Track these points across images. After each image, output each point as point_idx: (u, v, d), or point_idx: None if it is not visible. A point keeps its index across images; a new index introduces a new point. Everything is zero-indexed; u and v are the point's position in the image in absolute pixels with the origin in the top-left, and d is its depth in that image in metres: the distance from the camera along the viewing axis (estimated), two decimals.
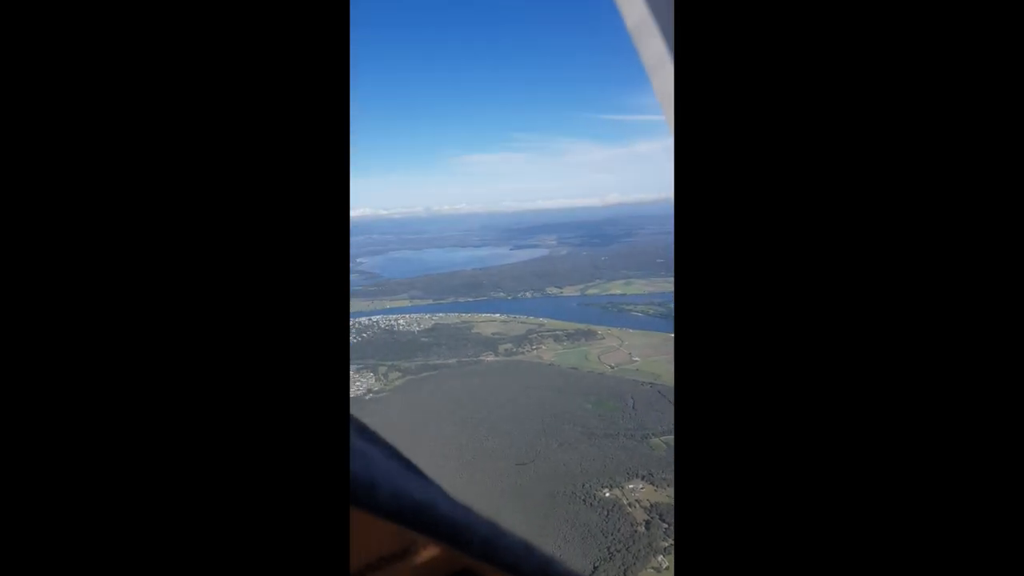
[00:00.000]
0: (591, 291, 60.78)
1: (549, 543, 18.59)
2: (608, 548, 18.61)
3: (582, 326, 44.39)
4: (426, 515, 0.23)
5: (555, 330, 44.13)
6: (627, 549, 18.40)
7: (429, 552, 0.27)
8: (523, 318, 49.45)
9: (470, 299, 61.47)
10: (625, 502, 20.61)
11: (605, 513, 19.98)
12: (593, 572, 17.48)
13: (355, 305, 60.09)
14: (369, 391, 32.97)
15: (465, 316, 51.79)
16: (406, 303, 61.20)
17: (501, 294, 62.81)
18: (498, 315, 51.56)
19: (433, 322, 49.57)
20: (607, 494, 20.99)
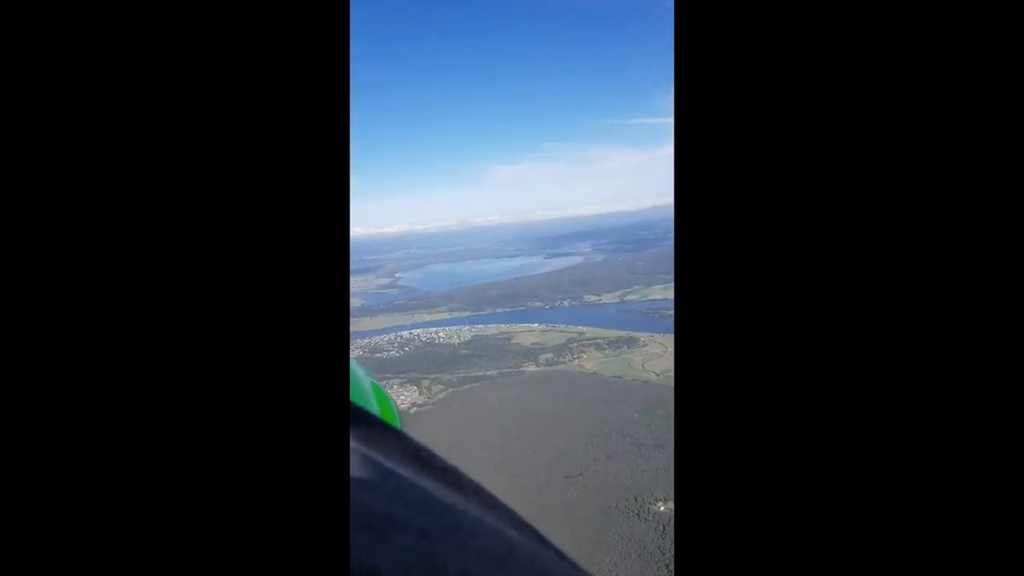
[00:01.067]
0: (630, 297, 59.55)
1: (606, 562, 17.94)
2: (667, 565, 17.78)
3: (623, 333, 43.42)
4: None
5: (596, 338, 43.35)
6: None
7: None
8: (562, 327, 48.87)
9: (507, 310, 61.39)
10: None
11: (661, 528, 19.15)
12: None
13: (395, 319, 61.02)
14: (414, 405, 33.17)
15: (503, 327, 51.66)
16: (445, 315, 61.72)
17: (538, 303, 62.42)
18: (536, 325, 51.17)
19: (472, 334, 49.68)
20: (662, 508, 20.15)
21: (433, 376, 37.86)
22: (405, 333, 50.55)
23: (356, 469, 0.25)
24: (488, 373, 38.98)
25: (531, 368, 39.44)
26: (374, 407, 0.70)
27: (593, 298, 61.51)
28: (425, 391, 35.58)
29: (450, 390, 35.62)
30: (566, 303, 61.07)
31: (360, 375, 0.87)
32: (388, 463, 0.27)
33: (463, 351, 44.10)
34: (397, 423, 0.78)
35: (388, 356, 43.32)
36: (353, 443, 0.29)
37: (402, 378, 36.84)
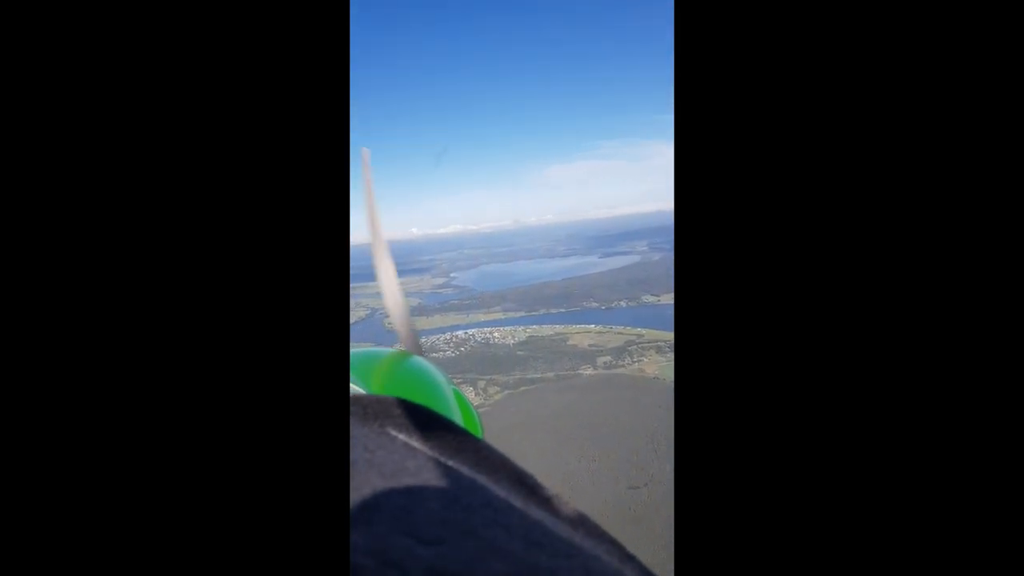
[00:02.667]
0: None
1: None
2: None
3: None
4: None
5: (656, 341, 41.55)
6: None
7: None
8: (620, 328, 47.30)
9: (562, 310, 60.37)
10: None
11: None
12: None
13: (451, 319, 61.61)
14: None
15: (559, 328, 50.75)
16: (499, 316, 61.62)
17: (594, 304, 60.98)
18: (593, 326, 49.86)
19: (527, 334, 49.15)
20: None
21: (489, 377, 37.63)
22: (460, 333, 50.81)
23: (439, 479, 0.25)
24: (544, 375, 38.28)
25: (588, 371, 38.35)
26: (457, 415, 0.67)
27: (651, 299, 59.27)
28: (481, 392, 35.39)
29: (506, 392, 35.22)
30: (623, 304, 59.25)
31: (442, 382, 0.87)
32: (476, 476, 0.27)
33: (519, 352, 43.64)
34: (479, 432, 0.73)
35: (444, 356, 43.60)
36: (436, 453, 0.28)
37: (458, 379, 36.85)
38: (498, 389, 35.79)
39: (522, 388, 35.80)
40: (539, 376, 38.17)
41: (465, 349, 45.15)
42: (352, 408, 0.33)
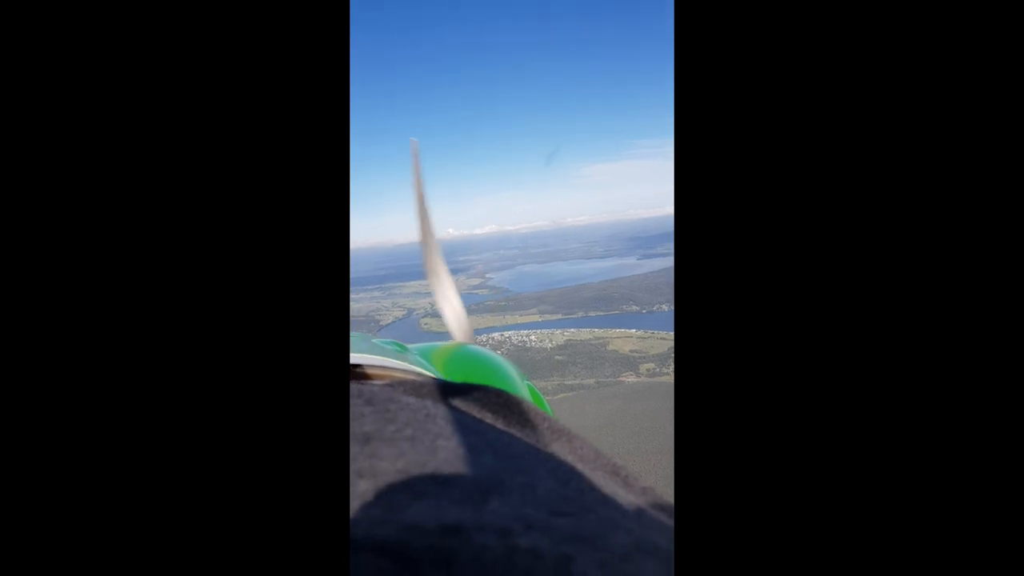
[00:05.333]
0: None
1: None
2: None
3: None
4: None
5: None
6: None
7: None
8: (663, 334, 45.22)
9: (601, 313, 58.66)
10: None
11: None
12: None
13: (487, 320, 60.98)
14: None
15: (598, 332, 49.14)
16: (536, 318, 60.48)
17: (634, 307, 58.94)
18: (634, 331, 47.95)
19: (565, 338, 47.80)
20: None
21: (526, 383, 36.49)
22: (497, 335, 49.95)
23: (545, 463, 0.26)
24: (584, 382, 36.91)
25: (631, 378, 36.70)
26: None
27: None
28: None
29: (546, 399, 33.98)
30: (665, 307, 56.93)
31: (516, 379, 0.91)
32: (574, 463, 0.28)
33: (557, 356, 42.38)
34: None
35: None
36: (533, 439, 0.30)
37: None
38: None
39: (561, 395, 34.52)
40: (578, 383, 36.81)
41: (502, 352, 43.94)
42: (470, 396, 0.34)
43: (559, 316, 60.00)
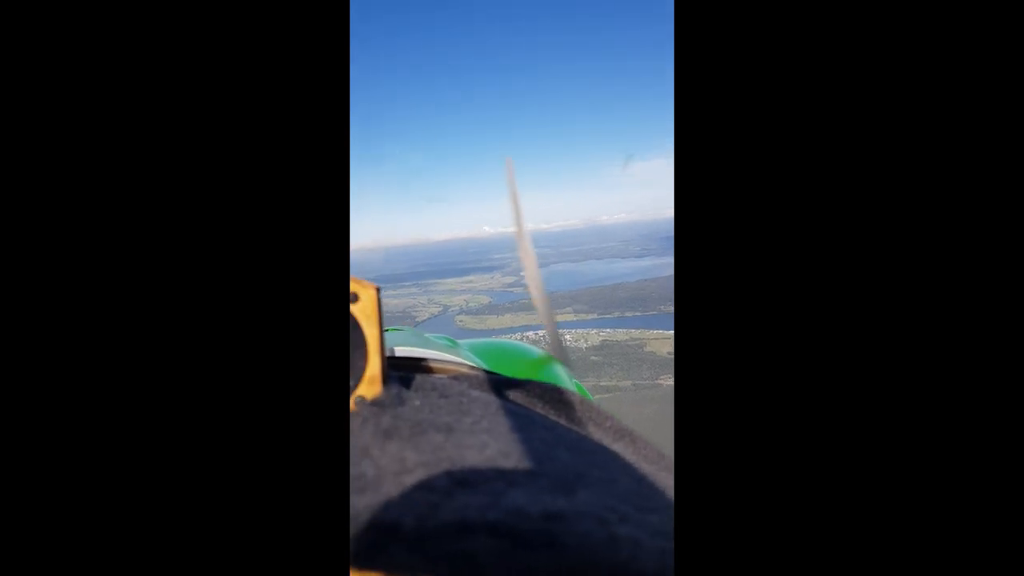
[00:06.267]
0: None
1: None
2: None
3: None
4: None
5: None
6: None
7: None
8: None
9: (637, 313, 57.43)
10: None
11: None
12: None
13: (521, 318, 60.73)
14: None
15: (634, 332, 48.10)
16: (571, 317, 59.79)
17: (672, 308, 57.33)
18: (671, 332, 46.60)
19: (601, 338, 47.02)
20: None
21: (574, 382, 36.06)
22: (531, 334, 49.64)
23: (615, 460, 0.26)
24: (621, 384, 36.18)
25: (669, 382, 35.66)
26: None
27: None
28: None
29: None
30: None
31: (565, 377, 0.96)
32: (636, 462, 0.28)
33: (592, 357, 41.73)
34: None
35: None
36: (599, 436, 0.30)
37: None
38: None
39: (597, 397, 33.56)
40: (615, 384, 36.10)
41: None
42: (530, 392, 0.34)
43: (594, 316, 59.12)
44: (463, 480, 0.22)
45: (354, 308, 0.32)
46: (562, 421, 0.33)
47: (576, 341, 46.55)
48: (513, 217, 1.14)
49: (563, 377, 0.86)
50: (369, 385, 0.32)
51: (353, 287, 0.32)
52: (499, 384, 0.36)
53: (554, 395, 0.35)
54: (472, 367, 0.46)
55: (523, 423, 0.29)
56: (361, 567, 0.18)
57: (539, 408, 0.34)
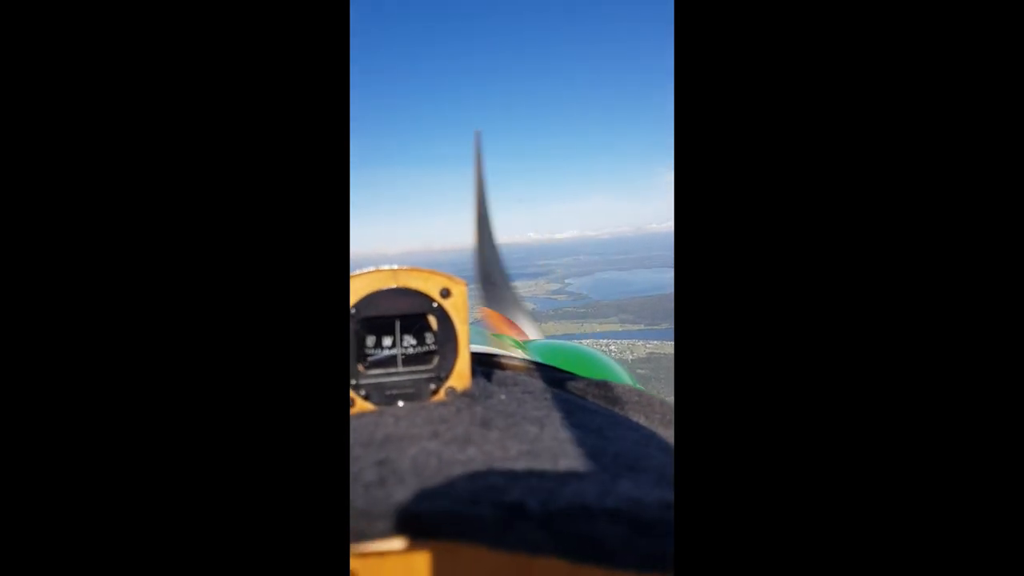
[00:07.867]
0: None
1: None
2: None
3: None
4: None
5: None
6: None
7: None
8: None
9: None
10: None
11: None
12: None
13: (566, 327, 59.36)
14: None
15: None
16: (616, 327, 57.85)
17: None
18: None
19: (647, 351, 44.95)
20: None
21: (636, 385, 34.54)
22: (576, 342, 48.16)
23: (660, 444, 0.27)
24: (668, 400, 34.11)
25: None
26: None
27: None
28: None
29: None
30: None
31: (627, 377, 0.98)
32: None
33: (639, 370, 39.86)
34: None
35: None
36: (646, 423, 0.30)
37: None
38: None
39: None
40: (664, 399, 34.10)
41: None
42: (608, 392, 0.34)
43: (641, 326, 56.91)
44: (571, 469, 0.23)
45: (446, 303, 0.32)
46: (632, 417, 0.33)
47: (621, 352, 44.69)
48: (475, 187, 1.15)
49: (627, 380, 0.84)
50: (459, 378, 0.33)
51: (445, 282, 0.32)
52: (576, 383, 0.36)
53: (632, 396, 0.35)
54: (541, 364, 0.47)
55: (609, 421, 0.30)
56: (491, 544, 0.19)
57: (616, 408, 0.34)
